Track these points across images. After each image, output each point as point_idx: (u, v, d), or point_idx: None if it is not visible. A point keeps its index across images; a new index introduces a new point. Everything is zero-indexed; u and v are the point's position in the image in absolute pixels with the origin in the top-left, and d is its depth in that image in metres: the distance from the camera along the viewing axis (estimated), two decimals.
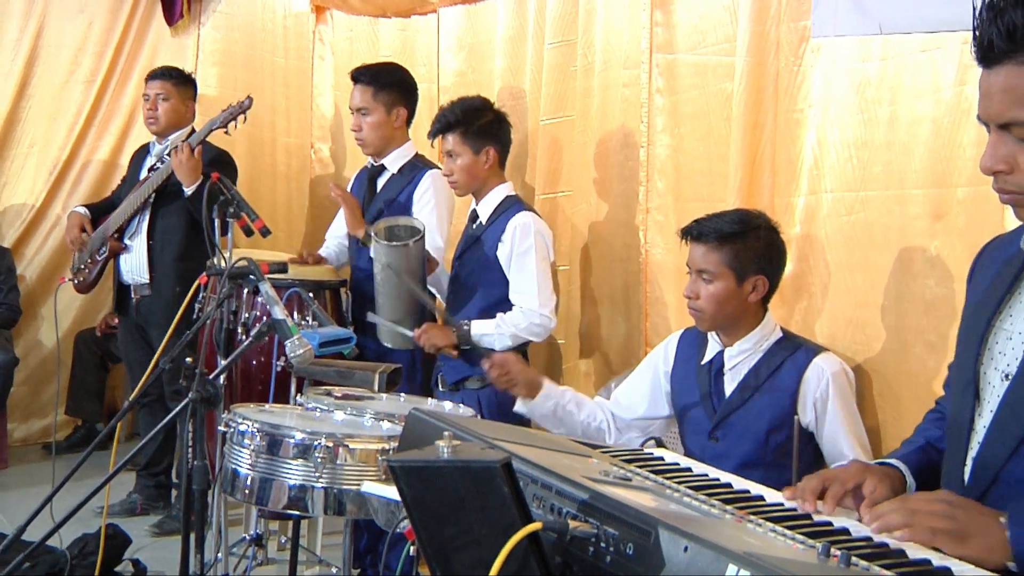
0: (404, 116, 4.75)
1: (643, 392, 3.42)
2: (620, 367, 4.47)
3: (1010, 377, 1.90)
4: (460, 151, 4.21)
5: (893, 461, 2.21)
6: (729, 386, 3.16)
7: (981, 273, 2.13)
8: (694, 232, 3.16)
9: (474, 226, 4.30)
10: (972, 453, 1.95)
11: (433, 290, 4.42)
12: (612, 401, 3.48)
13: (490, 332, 4.08)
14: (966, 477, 1.96)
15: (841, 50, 3.49)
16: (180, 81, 5.55)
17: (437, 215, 4.51)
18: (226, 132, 5.06)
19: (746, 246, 3.10)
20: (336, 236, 5.04)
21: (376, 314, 4.29)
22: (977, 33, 1.75)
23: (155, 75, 5.55)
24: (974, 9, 1.76)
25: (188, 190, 5.08)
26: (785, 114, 3.70)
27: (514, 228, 4.12)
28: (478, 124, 4.23)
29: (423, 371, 4.60)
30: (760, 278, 3.10)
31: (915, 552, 1.66)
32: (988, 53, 1.74)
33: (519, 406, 3.43)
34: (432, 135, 4.35)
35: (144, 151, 5.70)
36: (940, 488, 2.14)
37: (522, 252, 4.10)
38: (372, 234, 4.22)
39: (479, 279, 4.22)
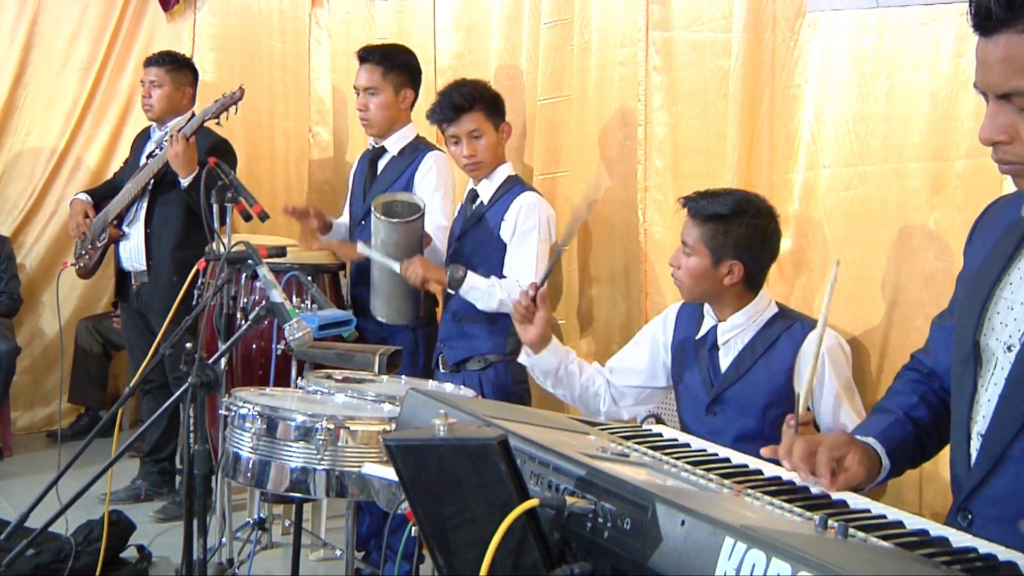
0: (411, 99, 4.74)
1: (642, 361, 3.42)
2: (621, 346, 4.44)
3: (1014, 349, 1.87)
4: (485, 129, 4.17)
5: (871, 440, 2.17)
6: (724, 361, 3.16)
7: (981, 237, 2.10)
8: (687, 204, 3.17)
9: (474, 206, 4.28)
10: (977, 428, 1.93)
11: None
12: (607, 368, 3.48)
13: (481, 288, 4.04)
14: (973, 453, 1.93)
15: (838, 24, 3.47)
16: (174, 67, 5.50)
17: (440, 195, 4.51)
18: (218, 123, 5.05)
19: (727, 230, 3.08)
20: (342, 222, 5.00)
21: (373, 278, 4.32)
22: (974, 0, 1.72)
23: (149, 62, 5.53)
24: None
25: (184, 181, 5.07)
26: (782, 90, 3.68)
27: (519, 207, 4.11)
28: (495, 101, 4.24)
29: (425, 353, 4.59)
30: (736, 263, 3.09)
31: (913, 522, 1.66)
32: (986, 22, 1.70)
33: (523, 357, 3.44)
34: (455, 113, 4.17)
35: (145, 135, 5.69)
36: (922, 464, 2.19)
37: (525, 231, 4.08)
38: (372, 209, 4.21)
39: (481, 258, 4.20)
